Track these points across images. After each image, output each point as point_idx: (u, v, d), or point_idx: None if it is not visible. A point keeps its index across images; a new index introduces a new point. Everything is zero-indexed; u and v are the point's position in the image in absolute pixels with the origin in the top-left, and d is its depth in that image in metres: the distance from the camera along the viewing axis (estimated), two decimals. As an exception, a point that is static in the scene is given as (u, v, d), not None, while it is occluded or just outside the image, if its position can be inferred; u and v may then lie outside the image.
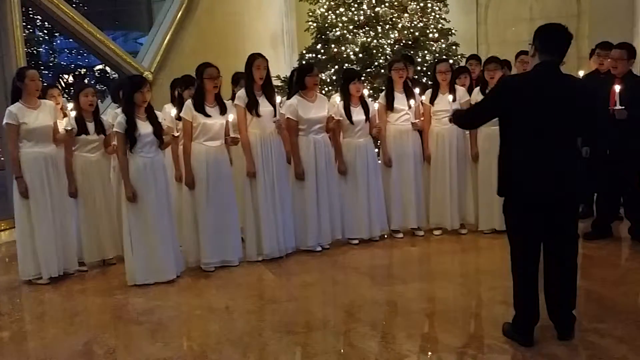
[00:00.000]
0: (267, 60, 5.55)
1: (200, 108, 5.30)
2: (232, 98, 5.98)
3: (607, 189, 5.71)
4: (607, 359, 3.45)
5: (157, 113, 5.22)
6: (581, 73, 6.53)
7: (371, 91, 7.49)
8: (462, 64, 7.40)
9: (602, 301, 4.30)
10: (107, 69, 15.10)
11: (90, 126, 5.51)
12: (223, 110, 5.40)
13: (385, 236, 6.18)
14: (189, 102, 5.37)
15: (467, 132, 6.00)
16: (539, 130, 3.49)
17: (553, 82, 3.53)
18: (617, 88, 5.19)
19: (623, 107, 5.17)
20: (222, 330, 4.13)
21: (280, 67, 9.15)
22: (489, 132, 5.57)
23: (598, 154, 5.64)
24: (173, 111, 5.59)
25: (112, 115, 5.70)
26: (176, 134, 5.43)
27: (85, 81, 16.94)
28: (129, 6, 15.42)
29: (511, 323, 3.71)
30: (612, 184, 5.62)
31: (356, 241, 6.01)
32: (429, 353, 3.79)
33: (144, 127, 5.04)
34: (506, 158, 3.63)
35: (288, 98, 5.95)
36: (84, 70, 17.80)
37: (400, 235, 6.19)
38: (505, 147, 3.65)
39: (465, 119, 3.99)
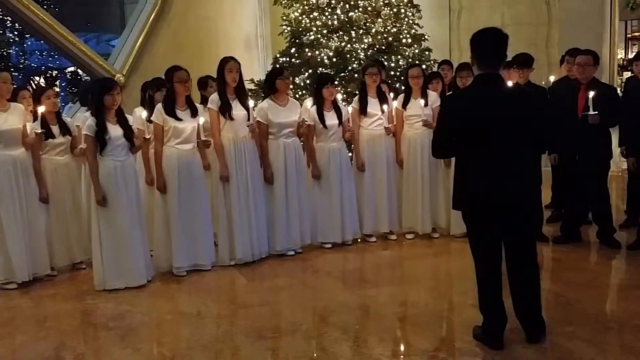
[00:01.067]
0: (239, 63, 5.53)
1: (171, 111, 5.26)
2: (201, 102, 5.94)
3: (575, 194, 5.79)
4: (575, 362, 3.51)
5: (127, 116, 5.17)
6: (552, 79, 6.64)
7: (345, 95, 7.51)
8: (435, 69, 7.46)
9: (570, 304, 4.37)
10: (79, 71, 14.90)
11: (55, 129, 5.44)
12: (194, 113, 5.36)
13: (359, 240, 6.20)
14: (159, 106, 5.32)
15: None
16: (487, 144, 3.54)
17: (494, 96, 3.56)
18: (591, 94, 5.27)
19: (597, 112, 5.26)
20: (193, 335, 4.10)
21: (255, 70, 9.15)
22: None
23: (567, 159, 5.72)
24: (144, 114, 5.54)
25: (82, 119, 5.63)
26: (147, 137, 5.38)
27: (57, 83, 16.72)
28: (101, 8, 15.24)
29: (481, 326, 3.75)
30: (581, 188, 5.70)
31: (329, 245, 6.01)
32: (401, 357, 3.81)
33: (114, 130, 4.99)
34: (459, 171, 3.72)
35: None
36: (55, 72, 17.56)
37: (373, 239, 6.21)
38: (458, 160, 3.74)
39: (434, 149, 3.90)
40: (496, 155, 3.53)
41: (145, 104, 5.91)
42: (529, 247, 3.71)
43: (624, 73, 14.92)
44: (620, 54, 16.30)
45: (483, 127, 3.53)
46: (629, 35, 18.85)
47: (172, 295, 4.97)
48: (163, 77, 5.51)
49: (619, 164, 7.38)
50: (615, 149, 5.99)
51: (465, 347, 3.74)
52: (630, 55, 17.68)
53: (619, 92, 6.65)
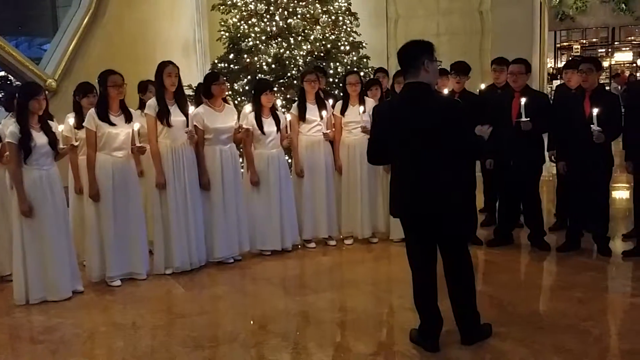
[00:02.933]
0: (178, 68, 5.45)
1: (104, 117, 5.13)
2: (140, 107, 5.83)
3: (508, 198, 5.96)
4: (508, 362, 3.60)
5: (51, 123, 5.00)
6: (482, 86, 6.83)
7: (284, 102, 7.51)
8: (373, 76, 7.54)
9: (503, 306, 4.48)
10: (10, 76, 14.34)
11: (-16, 136, 5.23)
12: (128, 119, 5.24)
13: (298, 246, 6.19)
14: (92, 111, 5.18)
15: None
16: (407, 152, 3.64)
17: (413, 104, 3.64)
18: (523, 100, 5.43)
19: (528, 119, 5.43)
20: (127, 346, 4.00)
21: (193, 76, 9.00)
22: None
23: (501, 164, 5.87)
24: (71, 120, 5.38)
25: (7, 124, 5.41)
26: (75, 144, 5.22)
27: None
28: (33, 11, 14.74)
29: (417, 329, 3.81)
30: (513, 193, 5.87)
31: (269, 252, 5.98)
32: (340, 362, 3.83)
33: (39, 138, 4.81)
34: (393, 178, 3.82)
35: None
36: (-16, 76, 16.85)
37: (313, 245, 6.22)
38: (393, 168, 3.85)
39: (368, 156, 3.96)
40: (423, 162, 3.60)
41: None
42: (461, 252, 3.80)
43: (554, 81, 15.53)
44: (550, 63, 16.98)
45: (409, 134, 3.61)
46: (558, 45, 19.67)
47: (106, 307, 4.83)
48: (90, 82, 5.36)
49: (549, 168, 7.64)
50: (547, 154, 6.19)
51: (403, 350, 3.79)
52: (560, 64, 18.45)
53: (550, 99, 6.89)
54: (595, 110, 5.15)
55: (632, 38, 19.28)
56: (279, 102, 6.17)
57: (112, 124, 5.14)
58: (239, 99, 7.79)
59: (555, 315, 4.30)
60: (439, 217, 3.67)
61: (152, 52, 8.86)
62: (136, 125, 5.21)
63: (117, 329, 4.33)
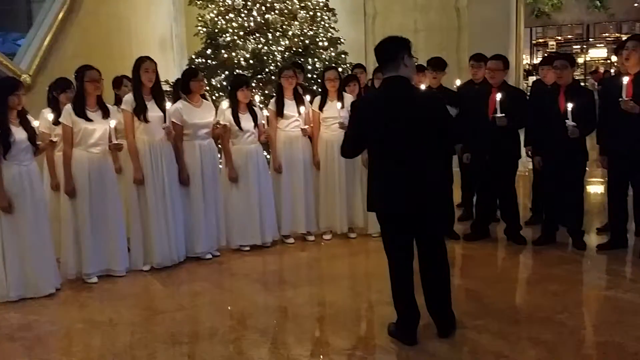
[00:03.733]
0: (155, 63, 5.41)
1: (81, 112, 5.08)
2: (115, 102, 5.78)
3: (485, 193, 6.02)
4: (485, 354, 3.64)
5: (29, 118, 4.95)
6: (458, 82, 6.89)
7: (262, 97, 7.49)
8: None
9: (480, 299, 4.53)
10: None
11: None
12: (105, 114, 5.19)
13: (277, 242, 6.19)
14: (68, 107, 5.13)
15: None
16: (387, 147, 3.64)
17: (393, 99, 3.65)
18: (498, 96, 5.49)
19: (504, 115, 5.49)
20: (104, 343, 3.97)
21: (170, 71, 8.94)
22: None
23: (479, 159, 5.93)
24: (50, 116, 5.32)
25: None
26: (54, 140, 5.17)
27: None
28: (7, 6, 14.51)
29: (395, 323, 3.83)
30: (490, 187, 5.93)
31: (247, 247, 5.98)
32: (320, 356, 3.82)
33: (18, 133, 4.75)
34: (372, 173, 3.80)
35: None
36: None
37: (291, 240, 6.22)
38: (371, 162, 3.83)
39: (343, 149, 3.96)
40: (408, 158, 3.61)
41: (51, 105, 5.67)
42: (439, 246, 3.83)
43: (530, 77, 15.70)
44: (526, 60, 17.17)
45: (389, 128, 3.61)
46: (533, 42, 19.91)
47: (83, 304, 4.78)
48: (68, 78, 5.29)
49: (525, 164, 7.72)
50: (523, 150, 6.26)
51: (382, 343, 3.81)
52: (536, 61, 18.67)
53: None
54: (570, 106, 5.21)
55: (607, 35, 19.57)
56: (257, 98, 6.15)
57: (88, 120, 5.10)
58: (216, 95, 7.75)
59: (531, 308, 4.36)
60: (423, 215, 3.68)
61: (128, 48, 8.77)
62: (112, 122, 5.16)
63: (95, 326, 4.30)
